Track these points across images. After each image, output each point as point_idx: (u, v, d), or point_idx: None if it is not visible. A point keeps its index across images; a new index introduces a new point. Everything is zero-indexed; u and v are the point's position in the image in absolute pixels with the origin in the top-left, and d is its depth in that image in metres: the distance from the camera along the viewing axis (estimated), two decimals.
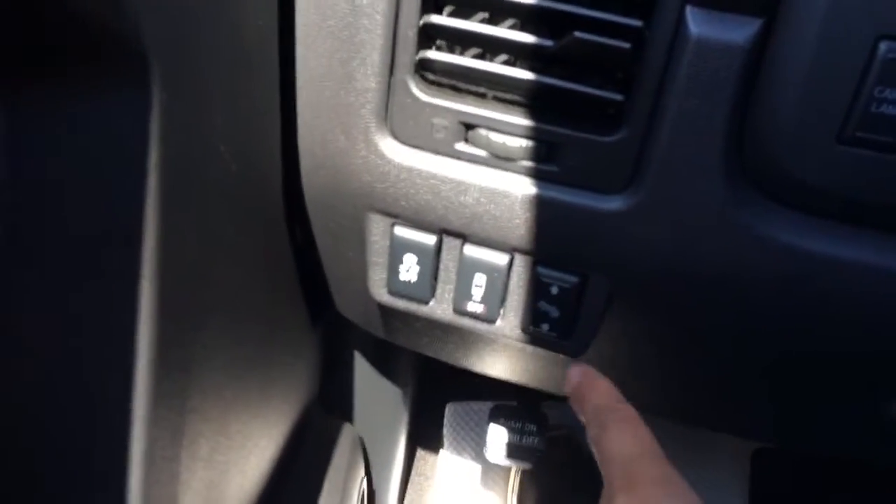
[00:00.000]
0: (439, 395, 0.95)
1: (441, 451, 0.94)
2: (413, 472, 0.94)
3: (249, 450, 0.50)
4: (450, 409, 0.95)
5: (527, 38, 0.38)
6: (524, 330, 0.47)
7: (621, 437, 0.35)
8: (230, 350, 0.44)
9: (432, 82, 0.41)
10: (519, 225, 0.42)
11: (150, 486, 0.35)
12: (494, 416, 0.77)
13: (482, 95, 0.41)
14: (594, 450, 0.37)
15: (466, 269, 0.45)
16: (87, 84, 0.30)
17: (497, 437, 0.76)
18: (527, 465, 0.85)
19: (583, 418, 0.39)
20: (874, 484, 0.87)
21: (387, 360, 0.82)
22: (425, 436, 0.95)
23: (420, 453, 0.96)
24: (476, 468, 0.93)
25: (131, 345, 0.33)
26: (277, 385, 0.55)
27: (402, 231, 0.46)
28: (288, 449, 0.60)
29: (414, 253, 0.46)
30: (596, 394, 0.39)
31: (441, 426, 0.95)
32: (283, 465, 0.59)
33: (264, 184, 0.46)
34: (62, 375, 0.34)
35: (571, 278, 0.44)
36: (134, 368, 0.33)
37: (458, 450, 0.94)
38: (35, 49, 0.29)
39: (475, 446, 0.93)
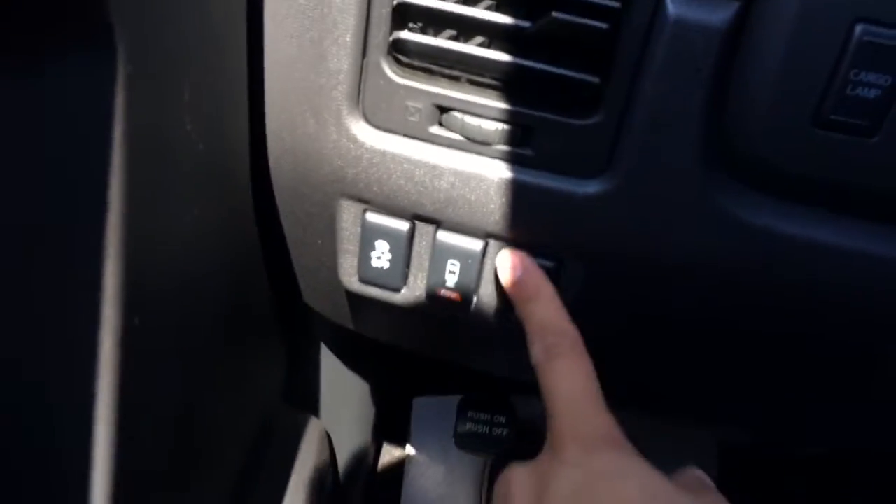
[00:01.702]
0: (407, 390, 0.95)
1: (409, 445, 0.93)
2: (380, 467, 0.93)
3: (213, 444, 0.49)
4: (417, 404, 0.94)
5: (503, 18, 0.37)
6: (498, 317, 0.46)
7: (569, 375, 0.35)
8: (188, 340, 0.42)
9: (406, 64, 0.40)
10: (493, 210, 0.42)
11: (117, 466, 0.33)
12: (463, 407, 0.77)
13: (457, 78, 0.40)
14: (537, 371, 0.36)
15: (440, 256, 0.45)
16: (47, 55, 0.29)
17: (466, 427, 0.75)
18: (495, 457, 0.85)
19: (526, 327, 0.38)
20: (838, 483, 0.88)
21: (354, 354, 0.81)
22: (393, 430, 0.94)
23: (387, 448, 0.95)
24: (444, 462, 0.92)
25: (93, 333, 0.31)
26: (241, 377, 0.54)
27: (373, 217, 0.45)
28: (253, 443, 0.58)
29: (386, 239, 0.45)
30: (541, 305, 0.39)
31: (408, 420, 0.94)
32: (249, 459, 0.57)
33: (231, 167, 0.45)
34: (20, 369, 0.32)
35: (546, 264, 0.43)
36: (97, 360, 0.32)
37: (426, 443, 0.93)
38: None
39: (443, 440, 0.92)
